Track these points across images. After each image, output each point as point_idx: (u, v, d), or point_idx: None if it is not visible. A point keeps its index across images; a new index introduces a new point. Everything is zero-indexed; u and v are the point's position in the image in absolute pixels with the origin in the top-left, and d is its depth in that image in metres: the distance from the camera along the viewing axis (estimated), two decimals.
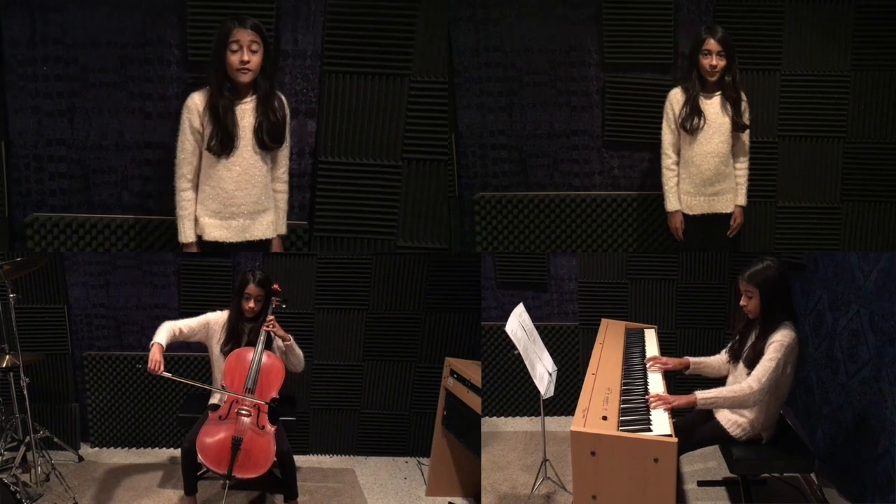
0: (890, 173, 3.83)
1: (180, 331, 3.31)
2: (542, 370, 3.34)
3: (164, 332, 3.22)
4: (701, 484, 3.66)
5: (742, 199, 3.51)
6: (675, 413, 2.71)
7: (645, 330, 3.96)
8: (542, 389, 3.29)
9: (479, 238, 3.99)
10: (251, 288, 3.34)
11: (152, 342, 3.15)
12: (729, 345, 3.20)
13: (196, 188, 3.05)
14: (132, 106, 3.48)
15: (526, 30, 3.80)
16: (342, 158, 3.55)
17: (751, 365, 2.89)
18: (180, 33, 3.41)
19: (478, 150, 3.94)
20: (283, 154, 3.17)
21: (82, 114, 3.47)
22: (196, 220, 3.06)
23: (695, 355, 3.36)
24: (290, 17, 3.45)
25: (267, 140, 3.02)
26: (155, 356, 3.08)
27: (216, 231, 3.05)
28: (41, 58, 3.40)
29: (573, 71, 3.84)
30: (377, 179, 3.58)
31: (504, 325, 3.41)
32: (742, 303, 2.97)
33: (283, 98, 3.10)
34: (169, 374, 3.12)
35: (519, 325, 3.40)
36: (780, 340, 2.81)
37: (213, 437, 3.06)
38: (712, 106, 3.36)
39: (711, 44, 3.26)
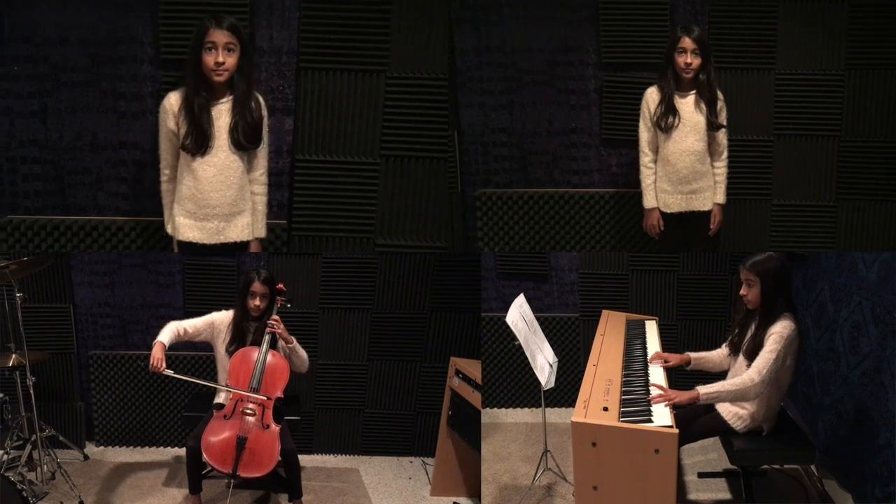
0: (884, 171, 3.85)
1: (185, 331, 3.32)
2: (543, 361, 3.36)
3: (167, 332, 3.23)
4: (701, 475, 3.68)
5: (720, 198, 3.51)
6: (675, 405, 2.72)
7: (646, 321, 3.98)
8: (542, 380, 3.31)
9: (481, 234, 4.02)
10: (256, 286, 3.35)
11: (154, 341, 3.17)
12: (729, 338, 3.21)
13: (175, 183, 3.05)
14: (105, 105, 3.43)
15: (526, 31, 3.84)
16: (320, 156, 3.54)
17: (750, 356, 2.90)
18: (153, 31, 3.38)
19: (479, 147, 3.98)
20: (261, 155, 3.12)
21: (55, 114, 3.42)
22: (173, 219, 3.05)
23: (696, 347, 3.38)
24: (265, 13, 3.42)
25: (243, 140, 2.98)
26: (156, 354, 3.09)
27: (190, 232, 3.01)
28: (11, 57, 3.35)
29: (572, 70, 3.88)
30: (355, 177, 3.55)
31: (504, 316, 3.42)
32: (742, 292, 2.99)
33: (260, 98, 3.06)
34: (170, 372, 3.13)
35: (519, 315, 3.41)
36: (779, 332, 2.82)
37: (217, 435, 3.08)
38: (687, 105, 3.38)
39: (687, 42, 3.28)
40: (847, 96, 3.80)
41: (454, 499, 3.84)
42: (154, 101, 3.43)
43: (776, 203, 3.94)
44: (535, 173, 4.01)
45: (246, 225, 3.10)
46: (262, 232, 3.19)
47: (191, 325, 3.36)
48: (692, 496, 3.53)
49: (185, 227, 3.01)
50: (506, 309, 3.44)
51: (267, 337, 3.32)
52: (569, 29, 3.83)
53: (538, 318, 3.61)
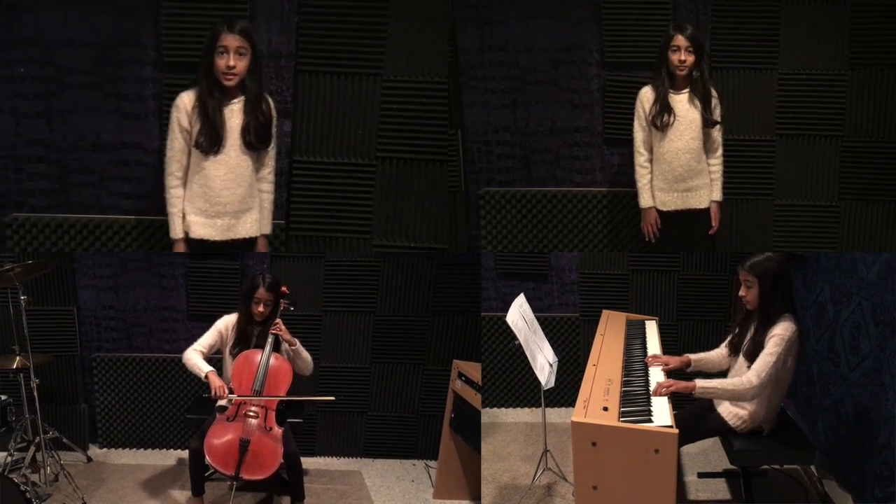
0: (887, 172, 3.84)
1: (202, 354, 3.37)
2: (543, 361, 3.36)
3: (202, 359, 3.33)
4: (701, 475, 3.69)
5: (717, 195, 3.52)
6: (676, 405, 2.72)
7: (646, 321, 3.98)
8: (542, 380, 3.31)
9: (485, 232, 4.04)
10: (261, 292, 3.37)
11: (204, 372, 3.26)
12: (729, 338, 3.22)
13: (185, 185, 3.08)
14: (108, 107, 3.50)
15: (528, 30, 3.85)
16: (317, 157, 3.58)
17: (751, 357, 2.90)
18: (155, 34, 3.43)
19: (483, 146, 3.99)
20: (270, 155, 3.20)
21: (59, 115, 3.48)
22: (183, 217, 3.09)
23: (696, 348, 3.38)
24: (265, 17, 3.47)
25: (254, 140, 3.05)
26: (217, 382, 3.22)
27: (201, 229, 3.08)
28: (17, 59, 3.41)
29: (574, 69, 3.89)
30: (352, 178, 3.60)
31: (504, 316, 3.42)
32: (741, 293, 2.99)
33: (270, 100, 3.14)
34: (233, 396, 3.26)
35: (520, 315, 3.42)
36: (780, 334, 2.82)
37: (220, 438, 3.10)
38: (681, 103, 3.39)
39: (680, 39, 3.29)
40: (850, 96, 3.80)
41: (457, 501, 3.83)
42: (157, 103, 3.49)
43: (778, 203, 3.95)
44: (538, 172, 4.02)
45: (254, 221, 3.17)
46: (268, 228, 3.27)
47: (205, 345, 3.40)
48: (692, 496, 3.53)
49: (196, 224, 3.07)
50: (506, 309, 3.45)
51: (270, 339, 3.34)
52: (571, 28, 3.85)
53: (538, 318, 3.62)
